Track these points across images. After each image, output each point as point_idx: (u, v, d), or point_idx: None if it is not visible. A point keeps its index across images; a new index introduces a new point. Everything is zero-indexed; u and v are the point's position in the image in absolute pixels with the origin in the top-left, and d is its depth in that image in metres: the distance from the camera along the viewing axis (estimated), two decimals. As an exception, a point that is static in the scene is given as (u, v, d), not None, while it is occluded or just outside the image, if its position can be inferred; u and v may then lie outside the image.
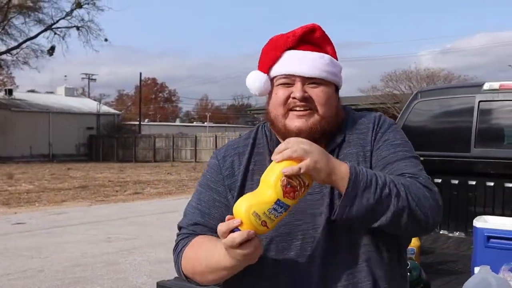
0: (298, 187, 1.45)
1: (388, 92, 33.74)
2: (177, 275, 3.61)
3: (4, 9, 40.36)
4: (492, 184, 4.85)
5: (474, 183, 4.94)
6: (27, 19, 42.58)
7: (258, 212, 1.42)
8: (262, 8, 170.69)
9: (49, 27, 43.53)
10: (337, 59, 1.74)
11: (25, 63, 43.50)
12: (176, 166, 34.52)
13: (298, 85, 1.64)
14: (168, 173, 27.46)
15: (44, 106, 45.43)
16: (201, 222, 1.72)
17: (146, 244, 9.45)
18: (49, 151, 43.54)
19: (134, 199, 16.54)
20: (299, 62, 1.65)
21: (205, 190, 1.78)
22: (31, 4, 42.23)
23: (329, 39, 1.74)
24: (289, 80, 1.66)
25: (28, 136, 41.62)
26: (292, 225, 1.64)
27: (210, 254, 1.57)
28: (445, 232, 5.04)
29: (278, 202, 1.43)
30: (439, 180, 5.01)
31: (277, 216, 1.44)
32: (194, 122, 77.64)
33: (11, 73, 48.68)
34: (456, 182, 5.03)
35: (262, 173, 1.49)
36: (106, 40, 45.68)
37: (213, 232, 1.63)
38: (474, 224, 3.70)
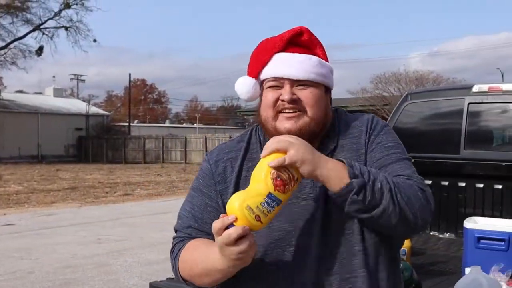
0: (288, 181, 1.47)
1: (378, 94, 33.88)
2: (169, 276, 3.64)
3: (-8, 9, 40.14)
4: (481, 185, 4.89)
5: (463, 184, 4.98)
6: (14, 19, 42.30)
7: (251, 206, 1.44)
8: (252, 9, 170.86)
9: (37, 27, 43.27)
10: (327, 60, 1.75)
11: (13, 63, 43.23)
12: (166, 167, 34.44)
13: (286, 87, 1.66)
14: (158, 175, 27.39)
15: (33, 107, 45.16)
16: (195, 226, 1.73)
17: (136, 246, 9.43)
18: (38, 152, 43.27)
19: (124, 201, 16.50)
20: (287, 64, 1.66)
21: (197, 195, 1.79)
22: (18, 4, 41.95)
23: (318, 41, 1.75)
24: (278, 82, 1.67)
25: (16, 137, 41.33)
26: (287, 231, 1.65)
27: (206, 256, 1.58)
28: (436, 233, 5.08)
29: (269, 195, 1.45)
30: (429, 182, 5.03)
31: (270, 211, 1.46)
32: (184, 124, 77.50)
33: (-2, 74, 48.35)
34: (446, 183, 5.07)
35: None
36: (95, 40, 45.47)
37: (207, 235, 1.64)
38: (464, 225, 3.74)
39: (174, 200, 16.49)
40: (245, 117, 51.54)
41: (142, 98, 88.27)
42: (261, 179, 1.47)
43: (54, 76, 70.09)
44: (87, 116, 48.15)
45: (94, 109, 51.94)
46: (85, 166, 35.33)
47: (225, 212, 1.47)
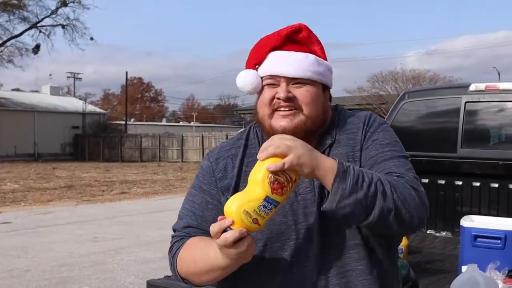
0: (286, 183, 1.47)
1: (374, 93, 33.90)
2: (166, 274, 3.64)
3: (-11, 7, 40.05)
4: (478, 184, 4.90)
5: (460, 183, 4.99)
6: (11, 17, 42.30)
7: (248, 210, 1.44)
8: (249, 8, 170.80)
9: (34, 25, 43.23)
10: (325, 58, 1.75)
11: (10, 61, 43.20)
12: (163, 166, 34.42)
13: (282, 85, 1.66)
14: (154, 173, 27.37)
15: (29, 105, 45.09)
16: (195, 225, 1.73)
17: (133, 244, 9.43)
18: (34, 150, 43.22)
19: (120, 199, 16.48)
20: (283, 62, 1.67)
21: (198, 193, 1.79)
22: (15, 2, 41.89)
23: (316, 38, 1.75)
24: (274, 80, 1.67)
25: (12, 135, 41.27)
26: (286, 225, 1.65)
27: (204, 254, 1.58)
28: (432, 232, 5.09)
29: (267, 199, 1.45)
30: (426, 180, 5.05)
31: (268, 213, 1.46)
32: (181, 122, 77.45)
33: (-5, 72, 48.27)
34: (442, 182, 5.08)
35: None
36: (91, 38, 45.57)
37: (207, 234, 1.64)
38: (461, 224, 3.75)
39: (170, 198, 16.49)
40: (242, 115, 51.50)
41: (139, 97, 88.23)
42: (258, 182, 1.46)
43: (50, 74, 70.09)
44: (83, 114, 48.08)
45: (90, 108, 51.85)
46: (82, 165, 35.30)
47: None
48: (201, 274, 1.62)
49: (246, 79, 1.72)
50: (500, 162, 4.73)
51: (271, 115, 1.67)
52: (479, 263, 2.93)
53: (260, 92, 1.73)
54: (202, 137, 39.68)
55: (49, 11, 43.04)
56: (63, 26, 43.49)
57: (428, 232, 5.10)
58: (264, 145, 1.50)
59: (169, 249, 1.75)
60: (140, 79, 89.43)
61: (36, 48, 43.72)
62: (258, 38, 1.76)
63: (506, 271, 3.20)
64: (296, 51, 1.69)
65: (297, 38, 1.72)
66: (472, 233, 3.64)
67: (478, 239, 3.61)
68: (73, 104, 50.63)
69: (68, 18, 43.68)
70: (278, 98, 1.65)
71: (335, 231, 1.63)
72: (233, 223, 1.44)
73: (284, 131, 1.64)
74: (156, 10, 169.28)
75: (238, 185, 1.72)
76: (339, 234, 1.63)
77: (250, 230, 1.45)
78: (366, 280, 1.63)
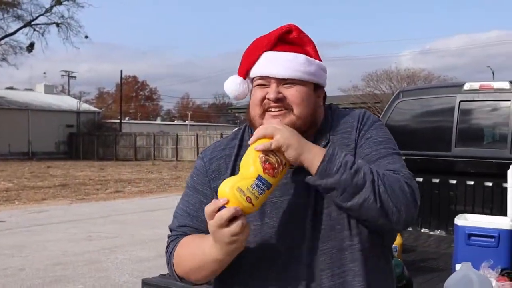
0: (276, 165, 1.52)
1: (369, 92, 33.92)
2: (161, 273, 3.64)
3: (-18, 5, 39.90)
4: (472, 183, 4.92)
5: (454, 182, 5.01)
6: (5, 15, 42.16)
7: (242, 187, 1.47)
8: (243, 8, 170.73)
9: (28, 24, 43.09)
10: (318, 57, 1.75)
11: (4, 59, 43.05)
12: (157, 164, 34.39)
13: (273, 86, 1.67)
14: (149, 172, 27.35)
15: (23, 104, 44.95)
16: (190, 224, 1.74)
17: (127, 243, 9.42)
18: (28, 149, 43.10)
19: (115, 198, 16.47)
20: (273, 63, 1.68)
21: (192, 193, 1.80)
22: (9, 0, 41.75)
23: (308, 38, 1.76)
24: (265, 81, 1.69)
25: (6, 134, 41.14)
26: (279, 228, 1.66)
27: (199, 249, 1.59)
28: (426, 230, 5.11)
29: (259, 177, 1.49)
30: (421, 179, 5.07)
31: (261, 194, 1.49)
32: (175, 121, 77.38)
33: (-11, 70, 48.14)
34: (437, 181, 5.09)
35: None
36: (86, 37, 45.44)
37: (202, 233, 1.65)
38: (455, 222, 3.77)
39: (165, 197, 16.49)
40: (237, 114, 51.51)
41: (133, 95, 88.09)
42: (250, 163, 1.51)
43: (45, 73, 69.73)
44: (78, 113, 47.98)
45: (85, 106, 51.75)
46: (76, 163, 35.22)
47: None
48: (197, 270, 1.63)
49: (230, 87, 1.77)
50: (494, 161, 4.75)
51: (262, 115, 1.69)
52: (473, 261, 2.94)
53: (252, 92, 1.74)
54: (197, 136, 39.64)
55: (44, 9, 42.98)
56: (57, 25, 43.40)
57: (422, 230, 5.12)
58: (255, 132, 1.56)
59: (166, 249, 1.76)
60: (134, 77, 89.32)
61: (30, 47, 43.60)
62: (253, 37, 1.78)
63: (500, 270, 3.21)
64: (288, 51, 1.70)
65: (288, 39, 1.73)
66: (466, 232, 3.66)
67: (472, 238, 3.63)
68: (67, 102, 50.50)
69: (62, 16, 43.62)
70: (269, 99, 1.67)
71: (326, 233, 1.63)
72: (227, 202, 1.46)
73: None
74: (151, 8, 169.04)
75: None
76: (331, 235, 1.63)
77: (244, 210, 1.47)
78: (361, 280, 1.63)
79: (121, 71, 55.17)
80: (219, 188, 1.50)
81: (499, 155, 4.74)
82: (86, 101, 60.13)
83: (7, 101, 44.38)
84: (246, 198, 1.46)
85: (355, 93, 34.24)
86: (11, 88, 55.34)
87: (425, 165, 5.02)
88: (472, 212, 4.65)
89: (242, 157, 1.76)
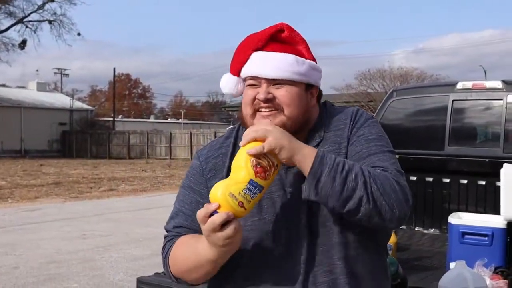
0: (268, 167, 1.51)
1: (362, 91, 33.98)
2: (155, 271, 3.65)
3: (-26, 2, 39.68)
4: (465, 181, 4.95)
5: (448, 180, 5.04)
6: (-3, 12, 41.92)
7: (234, 192, 1.46)
8: (237, 6, 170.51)
9: (20, 21, 42.88)
10: (311, 56, 1.75)
11: (-4, 56, 42.83)
12: (151, 163, 34.32)
13: (263, 86, 1.68)
14: (142, 170, 27.29)
15: (16, 101, 44.75)
16: (185, 224, 1.75)
17: (122, 241, 9.41)
18: (21, 146, 42.92)
19: (108, 196, 16.43)
20: (263, 63, 1.68)
21: (188, 192, 1.80)
22: (2, -3, 41.56)
23: (300, 37, 1.76)
24: (256, 81, 1.69)
25: (-1, 132, 41.00)
26: (276, 223, 1.67)
27: (194, 249, 1.60)
28: (420, 229, 5.13)
29: (251, 182, 1.48)
30: (414, 178, 5.10)
31: (253, 197, 1.49)
32: (169, 119, 77.26)
33: (-19, 67, 47.92)
34: (430, 179, 5.12)
35: None
36: (79, 34, 45.25)
37: (197, 234, 1.65)
38: (449, 221, 3.79)
39: (159, 195, 16.47)
40: (230, 112, 51.50)
41: (126, 93, 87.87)
42: (242, 167, 1.50)
43: (37, 70, 69.81)
44: (71, 110, 47.81)
45: (78, 104, 51.57)
46: (69, 161, 35.10)
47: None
48: (193, 271, 1.63)
49: (227, 86, 1.78)
50: (487, 160, 4.77)
51: (253, 115, 1.70)
52: (467, 259, 2.97)
53: (244, 92, 1.75)
54: (191, 134, 39.58)
55: (36, 6, 42.77)
56: (50, 22, 43.22)
57: (416, 229, 5.14)
58: (245, 132, 1.55)
59: (162, 249, 1.77)
60: (128, 75, 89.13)
61: (23, 44, 43.41)
62: (245, 35, 1.78)
63: (493, 268, 3.24)
64: (279, 50, 1.70)
65: (280, 38, 1.73)
66: (460, 230, 3.69)
67: (466, 236, 3.66)
68: (60, 100, 50.31)
69: (55, 13, 43.43)
70: (258, 99, 1.68)
71: (320, 229, 1.64)
72: (219, 207, 1.46)
73: None
74: (144, 6, 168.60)
75: None
76: (323, 231, 1.64)
77: (236, 214, 1.47)
78: (354, 277, 1.64)
79: (114, 69, 55.06)
80: (210, 192, 1.50)
81: (492, 153, 4.77)
82: (79, 99, 59.94)
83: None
84: (238, 202, 1.46)
85: (348, 91, 34.27)
86: (3, 85, 54.97)
87: (419, 164, 5.04)
88: (466, 210, 4.68)
89: None
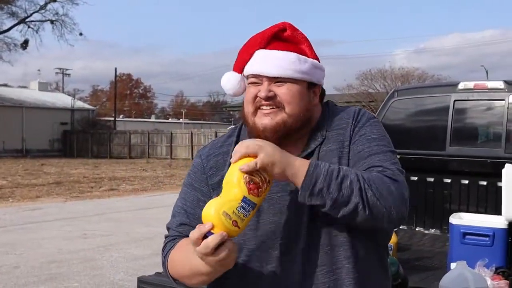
0: (261, 183, 1.49)
1: (363, 91, 33.99)
2: (156, 271, 3.65)
3: (-24, 2, 39.72)
4: (466, 182, 4.94)
5: (449, 181, 5.03)
6: (0, 12, 41.95)
7: (227, 211, 1.43)
8: (237, 6, 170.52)
9: (22, 21, 42.92)
10: (314, 55, 1.76)
11: (-2, 56, 42.85)
12: (152, 162, 34.34)
13: (265, 84, 1.68)
14: (143, 170, 27.30)
15: (17, 101, 44.79)
16: (187, 222, 1.74)
17: (122, 241, 9.41)
18: (22, 146, 42.95)
19: (109, 196, 16.44)
20: (264, 62, 1.69)
21: (189, 190, 1.80)
22: (4, -3, 41.58)
23: (303, 36, 1.76)
24: (258, 79, 1.70)
25: (0, 131, 40.97)
26: (276, 224, 1.66)
27: (190, 259, 1.57)
28: (421, 229, 5.12)
29: (244, 199, 1.46)
30: (415, 178, 5.09)
31: (246, 215, 1.46)
32: (170, 119, 77.28)
33: (-17, 67, 47.96)
34: (431, 179, 5.11)
35: None
36: (81, 34, 45.30)
37: None
38: (450, 221, 3.79)
39: (159, 195, 16.48)
40: (231, 112, 51.51)
41: (127, 93, 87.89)
42: (234, 184, 1.47)
43: (39, 70, 69.66)
44: (72, 110, 47.84)
45: (79, 104, 51.60)
46: (70, 161, 35.12)
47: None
48: (189, 277, 1.63)
49: (229, 83, 1.78)
50: (488, 160, 4.77)
51: (255, 112, 1.70)
52: (467, 260, 2.97)
53: (246, 90, 1.75)
54: (191, 134, 39.59)
55: (38, 6, 42.80)
56: (52, 22, 43.24)
57: (417, 229, 5.14)
58: (236, 148, 1.53)
59: (162, 249, 1.76)
60: (129, 75, 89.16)
61: (25, 44, 43.44)
62: (246, 36, 1.79)
63: (494, 268, 3.24)
64: (281, 49, 1.71)
65: (282, 37, 1.74)
66: (461, 231, 3.68)
67: (467, 237, 3.65)
68: (61, 100, 50.34)
69: (57, 13, 43.48)
70: (260, 97, 1.68)
71: (322, 229, 1.64)
72: (213, 227, 1.43)
73: (265, 129, 1.67)
74: (145, 6, 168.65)
75: None
76: (326, 231, 1.64)
77: (230, 234, 1.44)
78: (354, 277, 1.64)
79: (116, 69, 55.07)
80: (203, 211, 1.47)
81: (494, 154, 4.76)
82: (80, 99, 59.99)
83: (1, 98, 44.19)
84: (232, 222, 1.43)
85: (350, 91, 34.29)
86: (5, 85, 55.03)
87: (420, 164, 5.04)
88: (467, 211, 4.68)
89: None
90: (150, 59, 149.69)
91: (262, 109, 1.68)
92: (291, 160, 1.54)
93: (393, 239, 3.88)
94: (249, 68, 1.72)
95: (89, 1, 66.84)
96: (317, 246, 1.64)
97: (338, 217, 1.55)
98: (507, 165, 3.86)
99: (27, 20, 43.08)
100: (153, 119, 72.12)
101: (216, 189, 1.74)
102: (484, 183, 4.83)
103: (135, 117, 73.77)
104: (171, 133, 40.82)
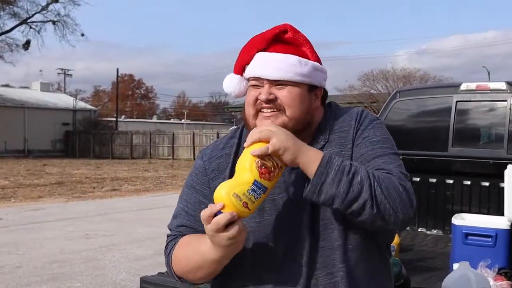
0: (272, 168, 1.52)
1: (365, 92, 33.96)
2: (158, 271, 3.66)
3: (-21, 2, 39.76)
4: (469, 182, 4.94)
5: (451, 181, 5.04)
6: (1, 13, 41.99)
7: (238, 193, 1.47)
8: (237, 6, 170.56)
9: (24, 21, 42.95)
10: (316, 57, 1.75)
11: (0, 57, 42.91)
12: (154, 163, 34.35)
13: (265, 87, 1.68)
14: (145, 170, 27.30)
15: (19, 101, 44.83)
16: (188, 224, 1.75)
17: (124, 241, 9.42)
18: (24, 146, 42.99)
19: (111, 196, 16.44)
20: (265, 64, 1.68)
21: (191, 192, 1.81)
22: (6, -3, 41.62)
23: (304, 38, 1.75)
24: (259, 82, 1.70)
25: (2, 131, 41.03)
26: (278, 225, 1.67)
27: (197, 249, 1.61)
28: (424, 230, 5.13)
29: (255, 182, 1.49)
30: (418, 179, 5.09)
31: (257, 198, 1.49)
32: (171, 119, 77.29)
33: (-15, 67, 47.94)
34: (434, 180, 5.11)
35: None
36: (82, 35, 45.35)
37: (200, 233, 1.65)
38: (452, 222, 3.79)
39: (161, 195, 16.48)
40: (233, 113, 51.53)
41: (129, 94, 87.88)
42: (246, 168, 1.50)
43: (41, 70, 69.79)
44: (74, 111, 47.88)
45: (81, 104, 51.65)
46: (72, 161, 35.13)
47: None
48: (195, 270, 1.64)
49: (230, 85, 1.77)
50: (491, 161, 4.77)
51: (255, 115, 1.70)
52: (470, 260, 2.97)
53: (247, 92, 1.75)
54: (193, 134, 39.60)
55: (40, 7, 42.82)
56: (53, 22, 43.27)
57: (419, 230, 5.14)
58: (250, 134, 1.55)
59: (165, 249, 1.77)
60: (131, 76, 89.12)
61: (27, 44, 43.47)
62: (248, 36, 1.79)
63: (497, 269, 3.24)
64: (282, 51, 1.70)
65: (283, 39, 1.73)
66: (463, 231, 3.68)
67: (469, 237, 3.65)
68: (63, 100, 50.38)
69: (58, 14, 43.48)
70: (260, 100, 1.68)
71: (322, 232, 1.64)
72: (223, 207, 1.47)
73: None
74: (147, 6, 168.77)
75: None
76: (324, 234, 1.64)
77: (240, 214, 1.48)
78: (358, 278, 1.64)
79: (117, 69, 54.99)
80: (215, 193, 1.50)
81: (496, 155, 4.76)
82: (82, 99, 60.11)
83: (3, 98, 44.23)
84: (243, 203, 1.47)
85: (352, 92, 34.27)
86: (7, 85, 55.09)
87: (422, 165, 5.04)
88: (469, 211, 4.68)
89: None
90: (151, 60, 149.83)
91: (263, 112, 1.68)
92: (304, 149, 1.55)
93: (396, 239, 3.88)
94: (250, 71, 1.72)
95: (91, 1, 66.83)
96: (319, 247, 1.64)
97: (344, 212, 1.55)
98: (509, 166, 3.87)
99: (29, 20, 43.12)
100: (155, 119, 72.11)
101: None
102: (487, 184, 4.84)
103: (137, 118, 73.77)
104: (173, 134, 40.83)
